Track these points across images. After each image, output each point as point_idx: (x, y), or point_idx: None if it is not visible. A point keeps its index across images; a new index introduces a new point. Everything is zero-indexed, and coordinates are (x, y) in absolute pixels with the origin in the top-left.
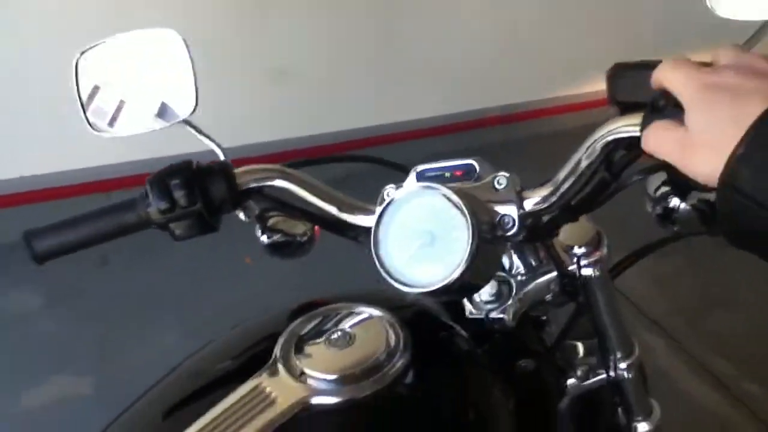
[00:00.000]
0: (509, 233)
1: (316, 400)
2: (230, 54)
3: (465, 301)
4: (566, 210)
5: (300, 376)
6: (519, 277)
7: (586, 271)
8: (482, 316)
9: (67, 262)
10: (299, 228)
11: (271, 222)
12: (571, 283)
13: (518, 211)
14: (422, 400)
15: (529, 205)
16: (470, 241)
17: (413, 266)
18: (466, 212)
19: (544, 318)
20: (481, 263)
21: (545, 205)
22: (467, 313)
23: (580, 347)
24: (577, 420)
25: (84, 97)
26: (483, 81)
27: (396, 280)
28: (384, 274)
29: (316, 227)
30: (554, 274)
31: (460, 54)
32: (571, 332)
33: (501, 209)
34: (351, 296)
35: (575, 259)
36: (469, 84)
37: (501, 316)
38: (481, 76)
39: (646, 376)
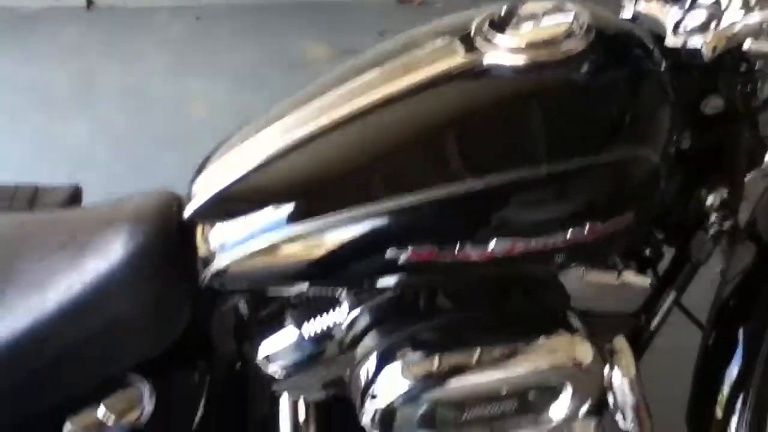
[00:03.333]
0: None
1: (493, 59)
2: None
3: (668, 30)
4: None
5: (488, 42)
6: (731, 11)
7: None
8: (679, 46)
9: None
10: None
11: None
12: None
13: None
14: (583, 85)
15: None
16: None
17: None
18: None
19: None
20: None
21: None
22: (666, 43)
23: None
24: None
25: None
26: None
27: None
28: None
29: None
30: None
31: None
32: None
33: None
34: None
35: None
36: None
37: (698, 47)
38: None
39: None
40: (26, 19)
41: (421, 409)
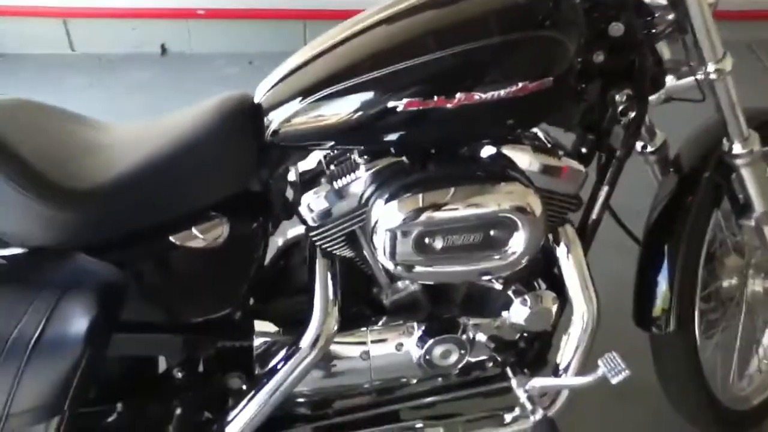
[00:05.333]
0: None
1: None
2: None
3: None
4: None
5: None
6: None
7: None
8: None
9: None
10: None
11: None
12: None
13: None
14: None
15: None
16: None
17: None
18: None
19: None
20: None
21: None
22: None
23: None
24: None
25: None
26: None
27: None
28: None
29: None
30: None
31: None
32: (665, 36)
33: None
34: None
35: None
36: None
37: None
38: None
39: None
40: (112, 63)
41: (414, 236)
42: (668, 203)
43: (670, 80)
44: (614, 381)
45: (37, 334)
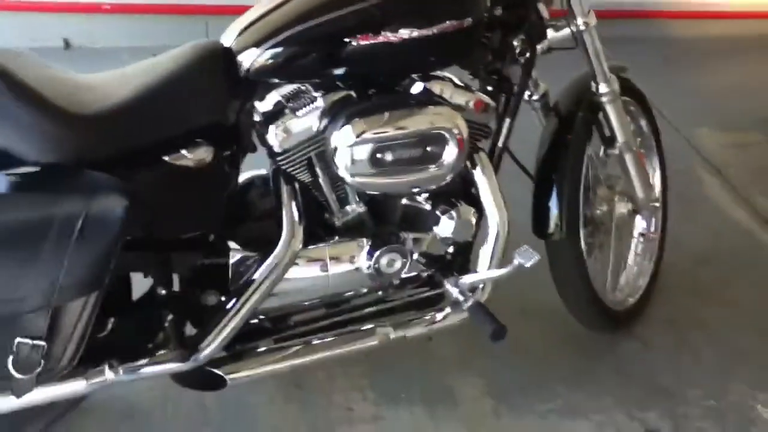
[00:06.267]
0: None
1: None
2: None
3: None
4: None
5: None
6: None
7: None
8: None
9: None
10: None
11: None
12: None
13: None
14: None
15: None
16: None
17: None
18: None
19: None
20: None
21: None
22: None
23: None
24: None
25: None
26: None
27: None
28: None
29: None
30: None
31: None
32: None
33: None
34: None
35: None
36: None
37: None
38: None
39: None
40: None
41: (368, 152)
42: (551, 141)
43: (550, 33)
44: (528, 265)
45: (80, 222)
